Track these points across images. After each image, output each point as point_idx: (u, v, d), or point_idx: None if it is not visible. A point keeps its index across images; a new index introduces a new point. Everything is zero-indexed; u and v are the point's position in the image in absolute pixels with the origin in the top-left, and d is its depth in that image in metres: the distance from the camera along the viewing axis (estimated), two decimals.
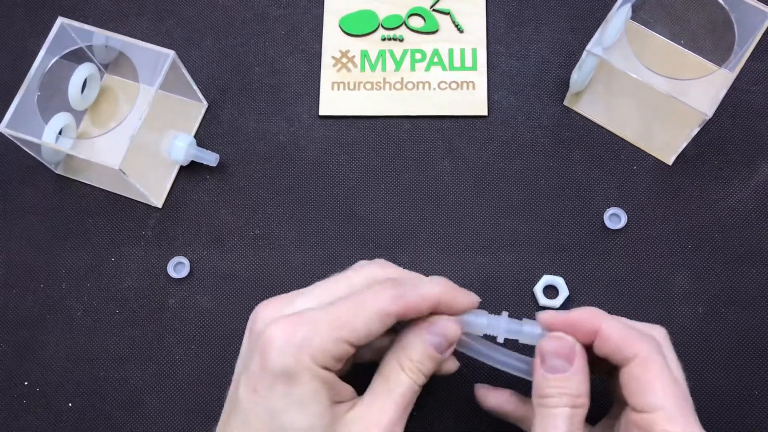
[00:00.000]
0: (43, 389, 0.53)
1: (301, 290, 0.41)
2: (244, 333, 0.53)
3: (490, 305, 0.53)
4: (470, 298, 0.42)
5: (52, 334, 0.54)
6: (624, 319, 0.41)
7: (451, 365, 0.44)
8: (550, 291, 0.53)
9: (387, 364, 0.40)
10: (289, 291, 0.54)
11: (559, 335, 0.40)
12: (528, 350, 0.43)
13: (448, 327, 0.40)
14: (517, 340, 0.43)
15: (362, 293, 0.39)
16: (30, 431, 0.52)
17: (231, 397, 0.40)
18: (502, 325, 0.42)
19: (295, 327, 0.37)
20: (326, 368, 0.37)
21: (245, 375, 0.38)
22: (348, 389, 0.40)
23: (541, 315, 0.42)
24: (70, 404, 0.53)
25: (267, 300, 0.41)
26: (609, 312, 0.52)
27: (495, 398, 0.46)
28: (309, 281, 0.54)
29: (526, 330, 0.42)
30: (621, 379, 0.39)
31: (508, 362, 0.42)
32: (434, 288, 0.40)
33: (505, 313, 0.43)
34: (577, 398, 0.39)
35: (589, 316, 0.40)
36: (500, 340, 0.42)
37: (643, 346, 0.38)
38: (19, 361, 0.54)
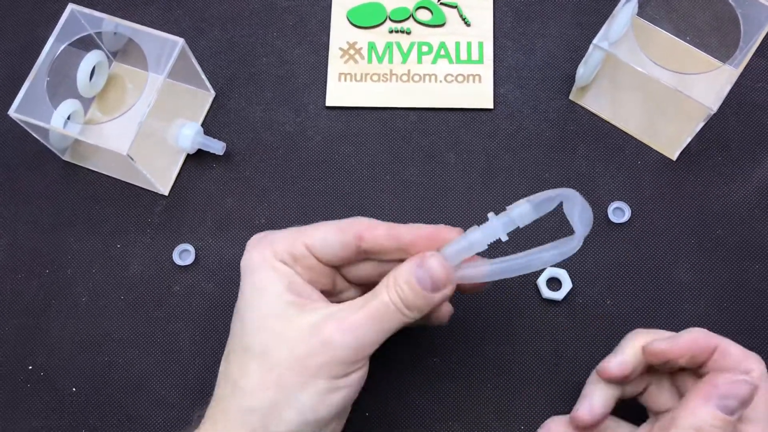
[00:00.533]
0: (48, 373, 0.53)
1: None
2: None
3: (493, 297, 0.53)
4: (450, 233, 0.43)
5: (56, 318, 0.54)
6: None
7: (444, 312, 0.44)
8: (554, 283, 0.53)
9: (380, 284, 0.41)
10: None
11: (743, 378, 0.40)
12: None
13: (434, 267, 0.41)
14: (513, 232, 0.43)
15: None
16: (34, 415, 0.52)
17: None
18: (495, 224, 0.42)
19: (264, 235, 0.43)
20: (284, 263, 0.42)
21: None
22: (317, 295, 0.42)
23: (655, 346, 0.43)
24: (74, 389, 0.53)
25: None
26: (610, 306, 0.53)
27: None
28: None
29: (515, 214, 0.42)
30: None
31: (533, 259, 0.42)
32: (405, 226, 0.43)
33: (490, 214, 0.43)
34: None
35: (704, 338, 0.43)
36: (504, 238, 0.42)
37: (758, 366, 0.42)
38: (23, 345, 0.54)
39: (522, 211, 0.42)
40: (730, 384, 0.40)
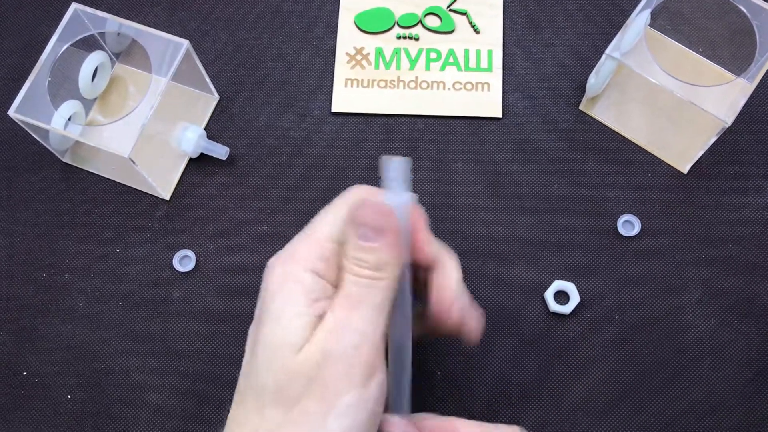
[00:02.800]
0: (42, 380, 0.52)
1: (291, 244, 0.41)
2: (248, 329, 0.53)
3: (500, 309, 0.52)
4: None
5: (53, 324, 0.53)
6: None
7: (473, 326, 0.42)
8: (561, 297, 0.52)
9: None
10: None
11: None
12: None
13: (367, 215, 0.38)
14: None
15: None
16: (27, 423, 0.51)
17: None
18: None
19: (286, 250, 0.39)
20: (314, 271, 0.38)
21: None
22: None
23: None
24: (69, 396, 0.52)
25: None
26: (618, 321, 0.52)
27: None
28: None
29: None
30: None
31: None
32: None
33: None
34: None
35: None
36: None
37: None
38: (18, 351, 0.53)
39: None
40: None
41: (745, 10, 0.50)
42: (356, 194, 0.41)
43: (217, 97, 0.58)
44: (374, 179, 0.56)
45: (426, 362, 0.51)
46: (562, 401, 0.50)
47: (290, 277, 0.38)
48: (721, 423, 0.50)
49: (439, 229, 0.54)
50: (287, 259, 0.39)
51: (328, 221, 0.39)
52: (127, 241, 0.55)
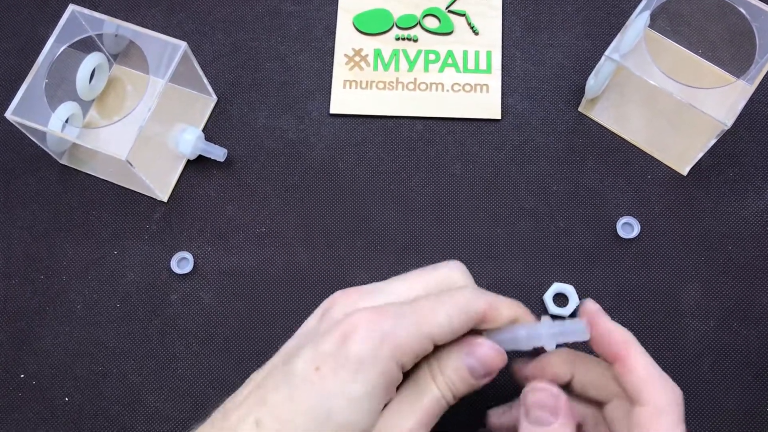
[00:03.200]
0: (40, 383, 0.52)
1: (378, 284, 0.40)
2: (246, 332, 0.53)
3: None
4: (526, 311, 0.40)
5: (50, 326, 0.53)
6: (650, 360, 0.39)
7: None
8: (560, 299, 0.52)
9: (420, 369, 0.38)
10: (294, 291, 0.53)
11: (543, 386, 0.38)
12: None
13: (488, 355, 0.38)
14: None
15: (443, 293, 0.38)
16: (24, 425, 0.51)
17: (277, 366, 0.37)
18: (542, 332, 0.39)
19: (382, 317, 0.36)
20: (402, 368, 0.36)
21: (312, 352, 0.36)
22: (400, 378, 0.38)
23: (589, 307, 0.40)
24: (66, 399, 0.51)
25: (344, 290, 0.39)
26: (619, 323, 0.52)
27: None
28: (314, 281, 0.53)
29: (568, 329, 0.39)
30: (621, 414, 0.38)
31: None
32: (513, 301, 0.39)
33: (545, 318, 0.40)
34: None
35: (622, 340, 0.38)
36: (548, 347, 0.40)
37: (659, 396, 0.37)
38: (15, 353, 0.52)
39: (576, 330, 0.39)
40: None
41: (744, 12, 0.50)
42: (448, 274, 0.40)
43: (215, 98, 0.58)
44: (370, 181, 0.56)
45: None
46: None
47: (379, 363, 0.35)
48: (720, 425, 0.49)
49: (437, 231, 0.54)
50: (386, 338, 0.35)
51: (441, 322, 0.36)
52: (125, 243, 0.55)
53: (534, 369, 0.41)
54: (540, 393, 0.38)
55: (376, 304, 0.37)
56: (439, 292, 0.38)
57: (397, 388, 0.37)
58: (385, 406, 0.37)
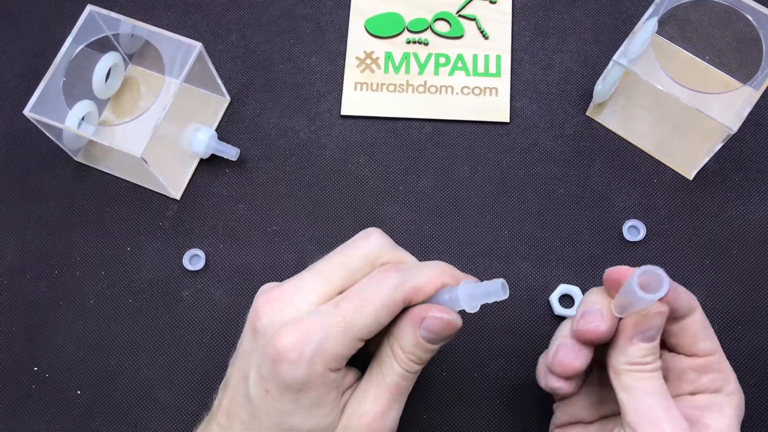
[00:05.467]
0: (53, 376, 0.53)
1: (297, 280, 0.40)
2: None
3: (506, 312, 0.53)
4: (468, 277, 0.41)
5: (63, 320, 0.54)
6: None
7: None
8: (566, 300, 0.53)
9: (382, 350, 0.40)
10: None
11: (658, 306, 0.39)
12: None
13: (438, 324, 0.38)
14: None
15: (364, 285, 0.38)
16: (37, 417, 0.52)
17: (238, 390, 0.40)
18: (460, 295, 0.39)
19: (306, 336, 0.37)
20: (338, 369, 0.38)
21: (256, 375, 0.38)
22: (352, 375, 0.40)
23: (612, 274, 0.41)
24: (78, 392, 0.52)
25: (267, 293, 0.40)
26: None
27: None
28: None
29: (484, 290, 0.38)
30: (681, 329, 0.41)
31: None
32: (435, 270, 0.39)
33: (465, 282, 0.39)
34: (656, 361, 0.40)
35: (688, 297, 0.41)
36: (470, 310, 0.39)
37: (696, 303, 0.41)
38: (29, 346, 0.53)
39: (492, 291, 0.38)
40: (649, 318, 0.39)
41: (751, 19, 0.51)
42: (367, 252, 0.40)
43: (228, 98, 0.59)
44: (380, 181, 0.56)
45: (431, 363, 0.52)
46: None
47: (317, 379, 0.37)
48: None
49: (445, 232, 0.55)
50: (315, 356, 0.37)
51: (368, 323, 0.37)
52: (138, 240, 0.56)
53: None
54: (659, 316, 0.39)
55: (300, 310, 0.38)
56: (362, 287, 0.38)
57: (365, 369, 0.40)
58: (355, 388, 0.39)
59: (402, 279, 0.38)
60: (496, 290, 0.38)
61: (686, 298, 0.41)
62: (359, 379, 0.40)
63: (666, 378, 0.40)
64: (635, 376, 0.39)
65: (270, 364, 0.37)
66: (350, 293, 0.38)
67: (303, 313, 0.38)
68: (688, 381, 0.41)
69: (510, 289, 0.53)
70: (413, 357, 0.39)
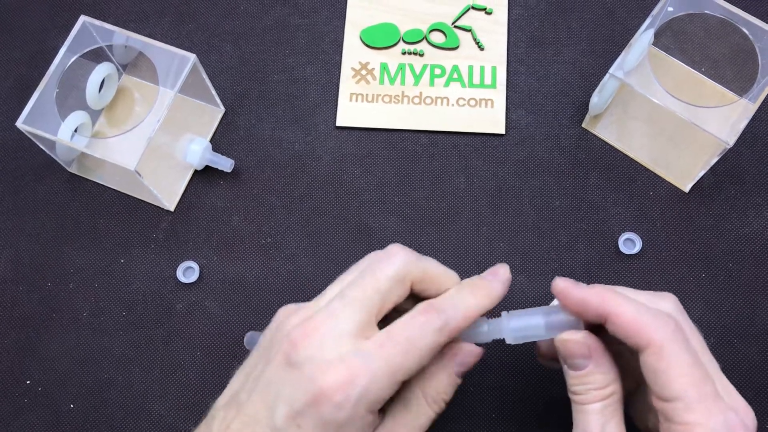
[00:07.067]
0: (45, 389, 0.52)
1: (329, 309, 0.39)
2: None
3: None
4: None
5: (56, 333, 0.53)
6: (633, 293, 0.40)
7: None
8: None
9: (410, 392, 0.39)
10: (298, 301, 0.54)
11: (570, 334, 0.39)
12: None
13: (471, 354, 0.40)
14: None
15: (408, 327, 0.38)
16: (30, 431, 0.51)
17: (257, 417, 0.38)
18: (503, 328, 0.41)
19: (354, 379, 0.36)
20: (377, 412, 0.38)
21: (288, 410, 0.37)
22: (377, 418, 0.39)
23: (558, 284, 0.40)
24: (71, 405, 0.52)
25: (298, 320, 0.39)
26: None
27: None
28: (318, 292, 0.53)
29: (533, 323, 0.40)
30: (641, 365, 0.37)
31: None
32: (473, 301, 0.39)
33: (505, 314, 0.41)
34: (605, 389, 0.38)
35: (598, 300, 0.38)
36: (510, 341, 0.41)
37: (656, 333, 0.36)
38: (22, 359, 0.53)
39: (535, 327, 0.41)
40: None
41: (747, 32, 0.51)
42: (396, 273, 0.39)
43: (222, 109, 0.59)
44: (375, 193, 0.56)
45: None
46: (563, 416, 0.50)
47: (358, 420, 0.37)
48: None
49: (441, 243, 0.55)
50: (361, 399, 0.36)
51: (412, 367, 0.37)
52: (132, 252, 0.55)
53: (572, 303, 0.39)
54: (569, 344, 0.39)
55: (341, 344, 0.37)
56: (406, 329, 0.38)
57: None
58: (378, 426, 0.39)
59: (445, 321, 0.38)
60: (539, 327, 0.40)
61: (630, 332, 0.37)
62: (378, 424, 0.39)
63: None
64: (574, 400, 0.39)
65: (309, 402, 0.36)
66: (394, 334, 0.37)
67: (343, 348, 0.37)
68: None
69: (504, 302, 0.52)
70: (446, 396, 0.39)
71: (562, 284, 0.40)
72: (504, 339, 0.41)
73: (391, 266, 0.39)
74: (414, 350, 0.37)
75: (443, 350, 0.39)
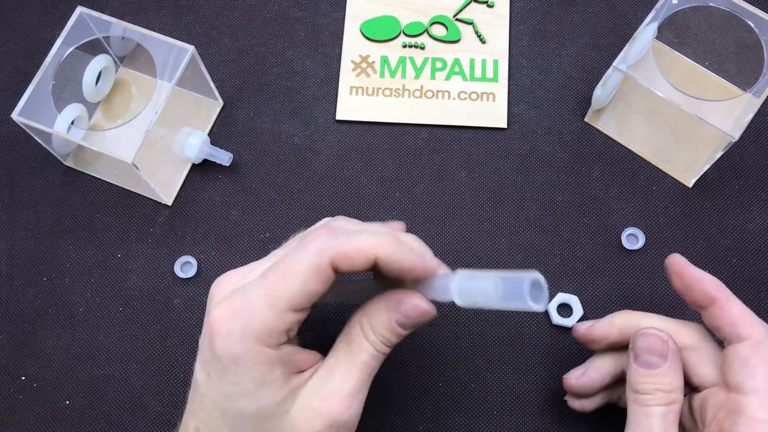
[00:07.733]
0: (41, 385, 0.52)
1: (261, 261, 0.39)
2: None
3: (503, 321, 0.52)
4: (426, 264, 0.37)
5: (52, 329, 0.53)
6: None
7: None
8: (564, 309, 0.52)
9: (351, 328, 0.38)
10: None
11: (652, 331, 0.40)
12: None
13: (414, 311, 0.37)
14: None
15: (290, 253, 0.36)
16: (25, 428, 0.51)
17: (194, 376, 0.39)
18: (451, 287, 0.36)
19: (234, 312, 0.35)
20: (278, 344, 0.36)
21: (200, 360, 0.38)
22: (310, 356, 0.38)
23: (674, 259, 0.42)
24: (67, 402, 0.51)
25: (229, 272, 0.40)
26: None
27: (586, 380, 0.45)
28: None
29: (487, 288, 0.34)
30: (726, 355, 0.39)
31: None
32: (371, 239, 0.35)
33: (461, 271, 0.37)
34: (671, 394, 0.39)
35: (713, 284, 0.40)
36: (459, 302, 0.36)
37: (758, 330, 0.39)
38: (17, 355, 0.52)
39: (489, 292, 0.35)
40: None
41: (752, 25, 0.50)
42: (325, 247, 0.36)
43: (221, 102, 0.58)
44: (375, 187, 0.56)
45: (427, 373, 0.51)
46: (564, 414, 0.50)
47: (252, 355, 0.35)
48: None
49: (442, 239, 0.54)
50: (245, 332, 0.35)
51: (294, 292, 0.35)
52: (129, 247, 0.55)
53: (689, 277, 0.42)
54: (651, 338, 0.40)
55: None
56: (288, 255, 0.36)
57: (330, 347, 0.38)
58: (318, 368, 0.38)
59: (328, 244, 0.35)
60: (494, 290, 0.34)
61: (735, 321, 0.39)
62: (318, 363, 0.38)
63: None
64: (638, 400, 0.40)
65: (208, 344, 0.36)
66: (277, 262, 0.36)
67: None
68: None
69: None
70: (383, 339, 0.38)
71: (678, 260, 0.41)
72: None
73: (305, 258, 0.36)
74: (292, 274, 0.35)
75: (390, 293, 0.38)
